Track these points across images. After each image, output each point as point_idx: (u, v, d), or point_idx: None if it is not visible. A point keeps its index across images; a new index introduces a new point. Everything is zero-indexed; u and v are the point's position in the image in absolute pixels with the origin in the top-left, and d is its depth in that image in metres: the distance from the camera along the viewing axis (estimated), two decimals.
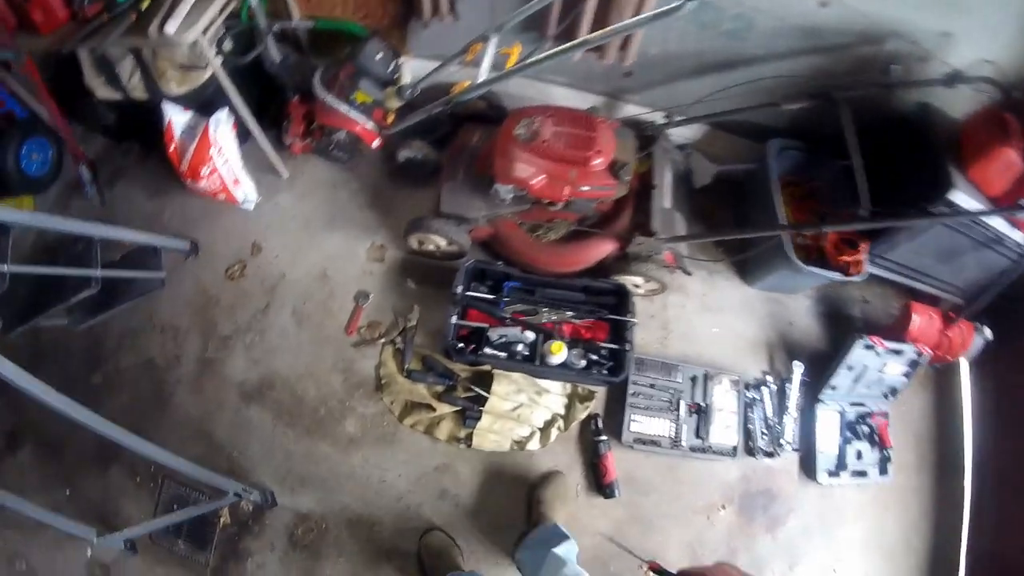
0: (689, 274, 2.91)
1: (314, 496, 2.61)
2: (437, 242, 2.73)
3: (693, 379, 2.74)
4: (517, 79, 2.31)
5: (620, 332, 2.70)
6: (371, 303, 2.82)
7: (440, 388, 2.66)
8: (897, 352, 2.67)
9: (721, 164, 2.89)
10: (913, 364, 2.71)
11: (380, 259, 2.92)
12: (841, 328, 2.95)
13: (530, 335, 2.65)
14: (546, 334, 2.67)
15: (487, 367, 2.62)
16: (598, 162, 2.42)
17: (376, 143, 2.85)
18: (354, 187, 3.07)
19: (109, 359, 2.90)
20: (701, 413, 2.69)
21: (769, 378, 2.78)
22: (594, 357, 2.66)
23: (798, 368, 2.77)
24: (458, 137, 2.91)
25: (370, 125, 2.80)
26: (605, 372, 2.63)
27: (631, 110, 3.02)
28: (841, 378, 2.70)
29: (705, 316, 2.93)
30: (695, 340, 2.88)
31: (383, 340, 2.73)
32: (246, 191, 2.94)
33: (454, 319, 2.59)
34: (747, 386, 2.75)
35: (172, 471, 2.73)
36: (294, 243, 2.94)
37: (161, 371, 2.83)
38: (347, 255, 2.91)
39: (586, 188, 2.47)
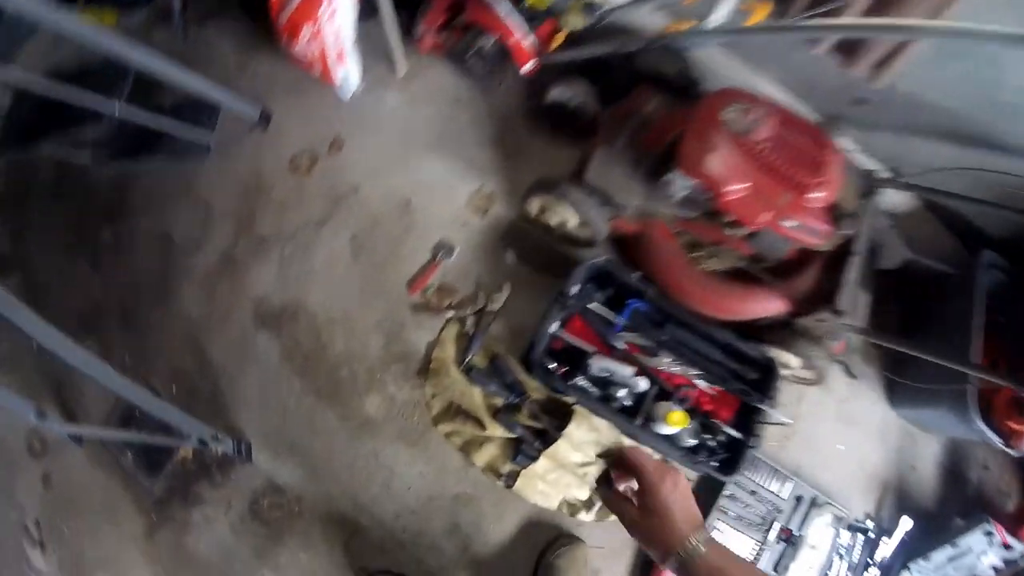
0: (854, 377, 2.23)
1: (298, 470, 2.01)
2: (565, 217, 2.02)
3: (798, 499, 2.07)
4: (726, 55, 1.98)
5: (749, 418, 1.98)
6: (453, 262, 2.12)
7: (499, 402, 1.97)
8: (1008, 547, 2.02)
9: (914, 252, 2.14)
10: (1012, 564, 2.05)
11: (483, 212, 2.21)
12: (956, 491, 2.26)
13: (641, 382, 1.93)
14: (661, 390, 1.95)
15: (571, 400, 1.93)
16: (819, 195, 1.77)
17: (528, 66, 2.14)
18: (480, 112, 2.35)
19: (126, 218, 2.34)
20: (790, 543, 2.02)
21: (870, 523, 2.11)
22: (708, 439, 1.95)
23: (905, 524, 2.12)
24: (629, 97, 2.20)
25: (529, 41, 2.10)
26: (715, 464, 1.92)
27: (843, 146, 2.25)
28: (941, 553, 2.07)
29: (837, 427, 2.19)
30: (817, 451, 2.16)
31: (451, 314, 2.05)
32: (348, 73, 2.26)
33: (554, 326, 1.90)
34: (849, 527, 2.07)
35: (145, 372, 2.18)
36: (383, 154, 2.26)
37: (176, 252, 2.25)
38: (443, 192, 2.22)
39: (791, 224, 1.79)
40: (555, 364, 1.90)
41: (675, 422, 1.84)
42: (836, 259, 1.97)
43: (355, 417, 1.99)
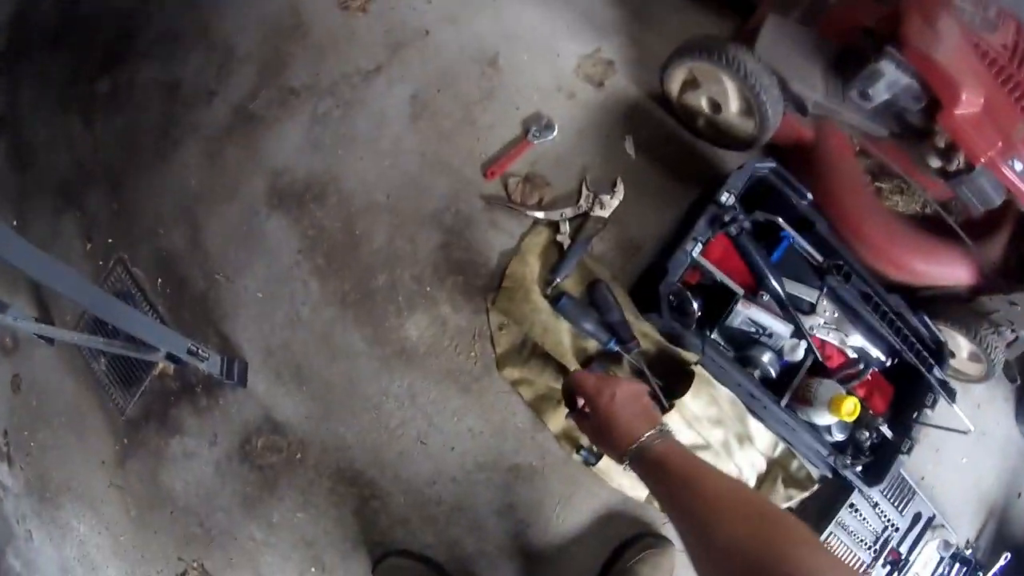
0: (1016, 381, 1.74)
1: (305, 405, 1.45)
2: (723, 97, 1.39)
3: (916, 517, 1.60)
4: None
5: (905, 413, 1.44)
6: (550, 144, 1.50)
7: (593, 347, 1.37)
8: None
9: None
10: None
11: (597, 82, 1.56)
12: None
13: (800, 348, 1.34)
14: (815, 363, 1.36)
15: (693, 359, 1.31)
16: None
17: None
18: None
19: (128, 63, 1.82)
20: (895, 569, 1.56)
21: (969, 553, 1.70)
22: (860, 435, 1.37)
23: (1003, 560, 1.71)
24: None
25: None
26: (860, 469, 1.38)
27: None
28: None
29: (966, 438, 1.60)
30: (941, 462, 1.68)
31: (539, 215, 1.42)
32: None
33: (696, 249, 1.28)
34: (953, 555, 1.65)
35: (128, 258, 1.66)
36: None
37: (181, 104, 1.70)
38: (545, 51, 1.59)
39: (1019, 166, 1.23)
40: (685, 302, 1.29)
41: (845, 413, 1.23)
42: (1021, 228, 1.44)
43: (389, 342, 1.40)
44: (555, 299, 1.32)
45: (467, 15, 1.58)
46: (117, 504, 1.61)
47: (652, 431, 0.91)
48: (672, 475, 0.86)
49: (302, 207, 1.49)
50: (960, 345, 1.52)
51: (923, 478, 1.62)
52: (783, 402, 1.32)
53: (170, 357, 1.43)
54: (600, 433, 0.99)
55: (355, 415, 1.42)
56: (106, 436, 1.64)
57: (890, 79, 1.27)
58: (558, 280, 1.34)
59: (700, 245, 1.29)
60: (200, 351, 1.40)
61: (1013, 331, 1.45)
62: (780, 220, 1.32)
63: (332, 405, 1.44)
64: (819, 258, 1.44)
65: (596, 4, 1.63)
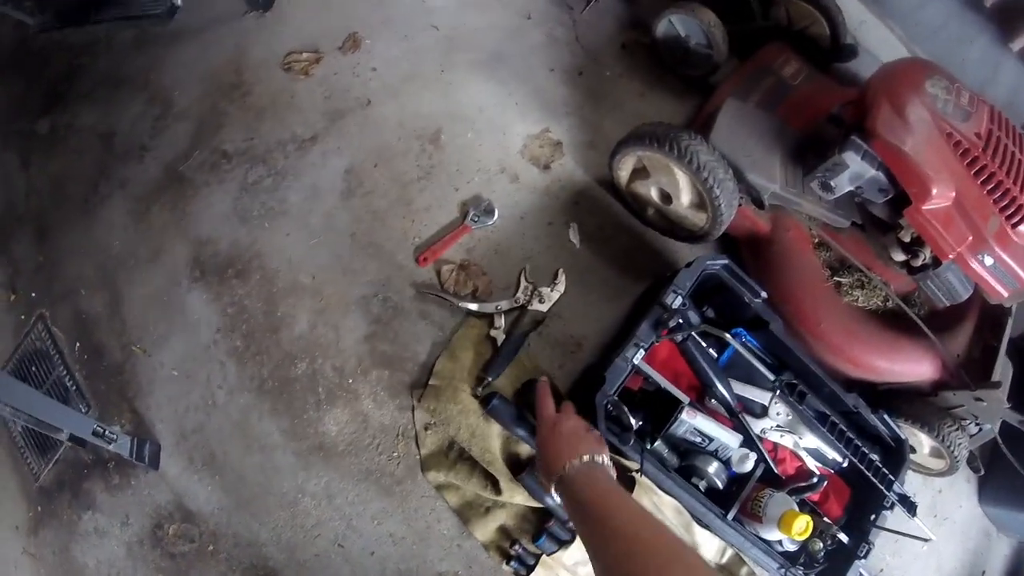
0: (980, 471, 1.63)
1: (218, 495, 1.25)
2: (674, 188, 1.23)
3: None
4: (884, 28, 1.45)
5: (862, 517, 1.27)
6: (489, 230, 1.32)
7: (526, 454, 1.18)
8: None
9: None
10: None
11: (544, 165, 1.39)
12: None
13: (749, 459, 1.17)
14: (766, 471, 1.20)
15: (633, 469, 1.12)
16: None
17: None
18: (557, 34, 1.54)
19: (70, 106, 1.63)
20: None
21: None
22: (814, 545, 1.18)
23: None
24: (763, 51, 1.48)
25: None
26: None
27: None
28: None
29: (927, 522, 1.47)
30: (900, 552, 1.50)
31: (473, 306, 1.23)
32: None
33: (638, 355, 1.11)
34: None
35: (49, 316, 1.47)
36: (415, 65, 1.47)
37: (115, 156, 1.51)
38: (490, 129, 1.41)
39: (988, 260, 1.10)
40: (626, 409, 1.09)
41: (796, 532, 1.07)
42: (993, 322, 1.33)
43: (307, 435, 1.21)
44: (485, 400, 1.13)
45: (412, 88, 1.41)
46: (30, 572, 1.38)
47: (578, 460, 0.89)
48: (589, 506, 0.83)
49: (224, 282, 1.29)
50: (922, 441, 1.38)
51: (882, 570, 1.48)
52: (730, 516, 1.14)
53: (73, 439, 1.24)
54: (538, 456, 0.99)
55: (269, 511, 1.21)
56: (20, 501, 1.42)
57: (855, 170, 1.14)
58: (490, 379, 1.16)
59: (642, 351, 1.11)
60: (107, 432, 1.21)
61: (978, 424, 1.31)
62: (728, 336, 1.15)
63: (246, 498, 1.23)
64: (770, 360, 1.27)
65: (549, 82, 1.47)
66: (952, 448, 1.28)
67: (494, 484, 1.14)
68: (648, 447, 1.14)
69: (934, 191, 1.05)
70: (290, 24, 1.51)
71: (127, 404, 1.34)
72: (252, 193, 1.34)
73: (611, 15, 1.55)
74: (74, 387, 1.42)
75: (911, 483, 1.45)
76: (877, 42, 1.64)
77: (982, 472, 1.61)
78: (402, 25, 1.48)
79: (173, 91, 1.53)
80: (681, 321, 1.15)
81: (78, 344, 1.42)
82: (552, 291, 1.24)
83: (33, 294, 1.48)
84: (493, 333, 1.20)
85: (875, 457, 1.27)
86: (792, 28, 1.54)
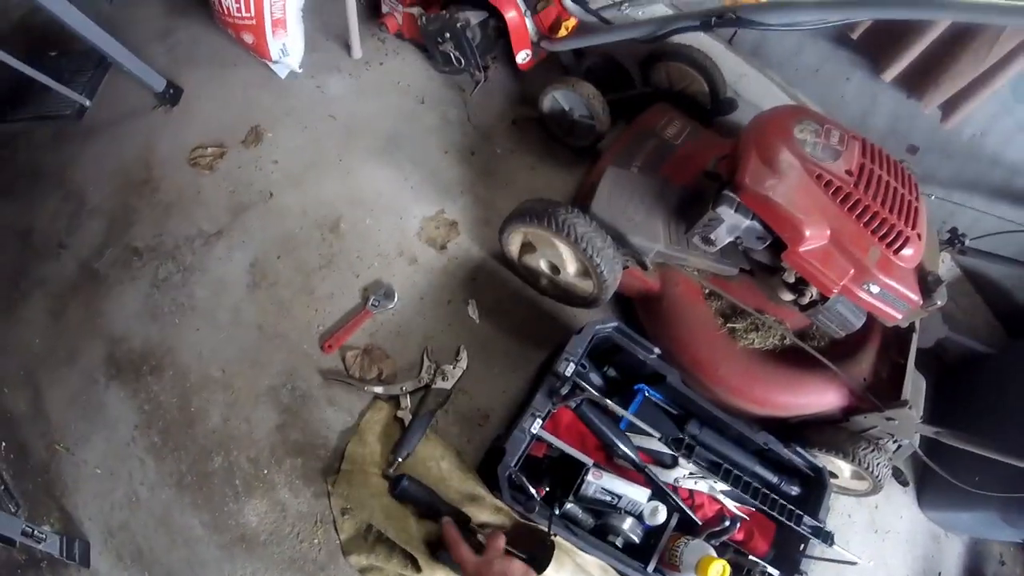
0: (906, 485, 1.60)
1: None
2: (558, 260, 1.28)
3: None
4: (764, 75, 1.50)
5: (789, 548, 1.27)
6: (390, 313, 1.34)
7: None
8: None
9: (951, 330, 1.49)
10: None
11: (441, 245, 1.42)
12: None
13: (660, 512, 1.18)
14: (683, 519, 1.22)
15: (549, 535, 1.12)
16: (910, 252, 1.10)
17: (525, 58, 1.42)
18: (451, 115, 1.59)
19: None
20: None
21: None
22: None
23: None
24: (645, 115, 1.53)
25: (531, 25, 1.38)
26: None
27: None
28: None
29: (868, 539, 1.52)
30: (846, 571, 1.38)
31: (379, 389, 1.25)
32: (288, 47, 1.52)
33: (536, 424, 1.13)
34: None
35: None
36: (314, 154, 1.49)
37: (32, 254, 1.48)
38: (389, 211, 1.44)
39: (875, 289, 1.11)
40: (533, 481, 1.11)
41: (712, 574, 1.11)
42: (896, 340, 1.35)
43: (229, 528, 1.20)
44: (394, 483, 1.13)
45: (313, 177, 1.43)
46: None
47: None
48: None
49: (139, 379, 1.29)
50: (841, 466, 1.38)
51: None
52: (650, 568, 1.16)
53: (3, 539, 1.21)
54: None
55: None
56: None
57: (731, 223, 1.17)
58: (399, 460, 1.18)
59: (540, 420, 1.14)
60: (36, 532, 1.18)
61: (895, 442, 1.30)
62: (611, 403, 1.16)
63: None
64: (675, 411, 1.31)
65: (443, 163, 1.51)
66: (871, 469, 1.28)
67: (414, 563, 1.15)
68: (557, 511, 1.15)
69: (807, 233, 1.07)
70: (196, 118, 1.52)
71: (55, 503, 1.31)
72: (162, 289, 1.34)
73: (500, 94, 1.60)
74: (2, 487, 1.39)
75: (844, 504, 1.50)
76: (758, 92, 1.70)
77: (909, 485, 1.62)
78: (302, 116, 1.51)
79: (87, 187, 1.51)
80: (575, 387, 1.17)
81: (3, 443, 1.38)
82: (455, 368, 1.27)
83: None
84: (400, 414, 1.22)
85: (793, 489, 1.31)
86: (673, 89, 1.60)
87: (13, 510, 1.37)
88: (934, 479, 1.60)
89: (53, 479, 1.33)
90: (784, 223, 1.10)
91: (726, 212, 1.14)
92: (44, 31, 1.73)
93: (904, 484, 1.58)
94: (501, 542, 1.01)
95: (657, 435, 1.21)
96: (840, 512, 1.50)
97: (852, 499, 1.51)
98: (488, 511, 1.17)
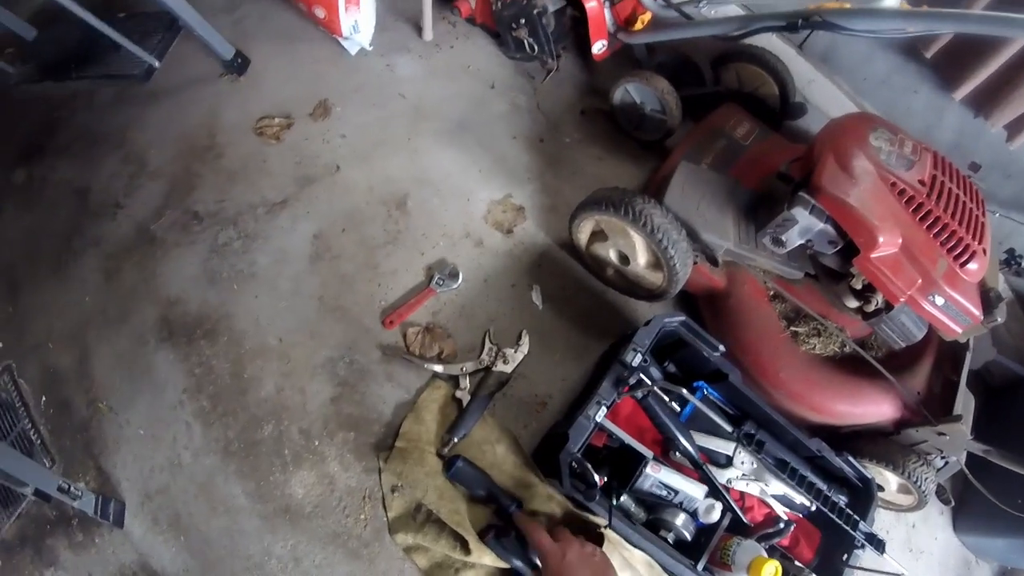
0: (950, 503, 1.54)
1: (182, 556, 1.16)
2: (631, 250, 1.22)
3: None
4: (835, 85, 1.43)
5: (835, 556, 1.20)
6: (454, 293, 1.28)
7: (493, 514, 1.13)
8: None
9: (999, 354, 1.47)
10: None
11: (506, 229, 1.37)
12: None
13: (716, 509, 1.12)
14: (734, 519, 1.14)
15: (602, 523, 1.09)
16: (976, 267, 1.08)
17: (601, 48, 1.38)
18: (520, 102, 1.54)
19: (47, 158, 1.55)
20: None
21: None
22: None
23: None
24: (715, 114, 1.48)
25: (608, 16, 1.34)
26: None
27: None
28: None
29: (903, 557, 1.44)
30: None
31: (438, 368, 1.19)
32: (360, 23, 1.48)
33: (600, 412, 1.07)
34: None
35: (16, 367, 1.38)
36: (382, 132, 1.44)
37: (88, 213, 1.44)
38: (455, 196, 1.39)
39: (940, 300, 1.06)
40: (590, 466, 1.04)
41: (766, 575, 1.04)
42: (951, 358, 1.30)
43: (273, 497, 1.14)
44: (449, 464, 1.08)
45: (381, 154, 1.38)
46: None
47: None
48: None
49: (192, 343, 1.23)
50: (888, 479, 1.33)
51: None
52: (700, 566, 1.10)
53: (38, 494, 1.15)
54: None
55: (235, 574, 1.14)
56: None
57: (804, 225, 1.13)
58: (455, 440, 1.12)
59: (604, 408, 1.08)
60: (72, 489, 1.13)
61: (943, 458, 1.26)
62: (684, 391, 1.12)
63: (211, 560, 1.15)
64: (732, 411, 1.25)
65: (513, 150, 1.46)
66: (919, 483, 1.24)
67: (463, 545, 1.09)
68: (615, 502, 1.09)
69: (881, 239, 1.04)
70: (263, 89, 1.48)
71: (92, 461, 1.26)
72: (222, 255, 1.29)
73: (570, 84, 1.56)
74: (39, 441, 1.33)
75: (883, 520, 1.43)
76: (826, 98, 1.67)
77: (952, 504, 1.56)
78: (371, 93, 1.47)
79: (148, 150, 1.47)
80: (641, 378, 1.12)
81: (44, 398, 1.33)
82: (516, 352, 1.21)
83: (1, 344, 1.40)
84: (458, 394, 1.17)
85: (841, 498, 1.25)
86: (743, 90, 1.57)
87: (48, 465, 1.32)
88: (971, 503, 1.56)
89: (93, 437, 1.28)
90: (859, 228, 1.06)
91: (801, 213, 1.10)
92: None
93: (947, 503, 1.52)
94: (566, 530, 0.98)
95: (729, 428, 1.17)
96: (879, 528, 1.41)
97: (891, 516, 1.46)
98: (541, 499, 1.11)
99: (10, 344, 1.41)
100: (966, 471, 1.24)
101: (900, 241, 1.05)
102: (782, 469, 1.18)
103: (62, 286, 1.39)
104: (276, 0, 1.63)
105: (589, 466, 1.06)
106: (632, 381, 1.11)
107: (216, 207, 1.34)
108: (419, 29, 1.55)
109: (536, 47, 1.44)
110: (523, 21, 1.40)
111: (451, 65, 1.55)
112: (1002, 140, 1.39)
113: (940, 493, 1.54)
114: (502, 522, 1.12)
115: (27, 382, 1.37)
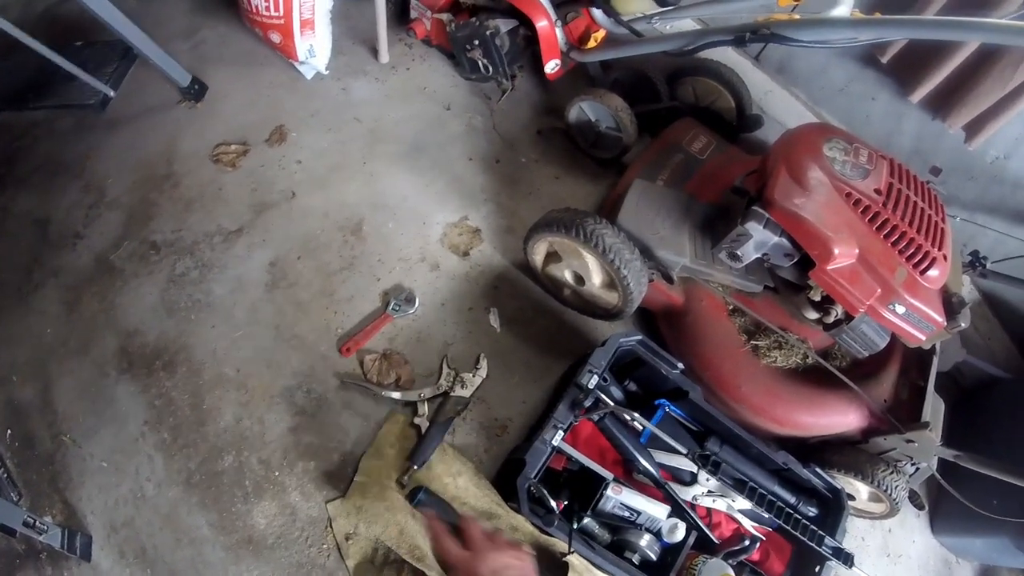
0: (923, 508, 1.52)
1: None
2: (585, 270, 1.20)
3: None
4: (789, 96, 1.43)
5: (808, 567, 1.19)
6: (410, 318, 1.26)
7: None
8: None
9: (968, 354, 1.42)
10: None
11: (464, 251, 1.35)
12: None
13: (679, 529, 1.11)
14: (700, 537, 1.13)
15: (563, 551, 1.06)
16: (936, 273, 1.05)
17: (554, 67, 1.35)
18: (476, 123, 1.51)
19: (8, 188, 1.49)
20: None
21: None
22: None
23: None
24: (671, 129, 1.46)
25: (560, 36, 1.31)
26: None
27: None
28: None
29: (881, 563, 1.43)
30: None
31: (397, 395, 1.16)
32: (315, 48, 1.45)
33: (557, 436, 1.05)
34: None
35: None
36: (338, 157, 1.41)
37: (48, 244, 1.39)
38: (412, 216, 1.36)
39: (900, 309, 1.04)
40: (551, 494, 1.03)
41: None
42: (917, 362, 1.28)
43: (236, 529, 1.11)
44: (412, 494, 1.04)
45: (336, 179, 1.35)
46: None
47: None
48: None
49: (151, 374, 1.20)
50: (859, 488, 1.31)
51: None
52: None
53: (3, 528, 1.11)
54: None
55: None
56: None
57: (758, 239, 1.10)
58: (415, 467, 1.09)
59: (561, 432, 1.07)
60: (38, 523, 1.10)
61: (914, 464, 1.23)
62: (637, 416, 1.07)
63: None
64: (695, 427, 1.23)
65: (467, 172, 1.43)
66: (889, 492, 1.22)
67: None
68: (576, 526, 1.07)
69: (836, 251, 1.01)
70: (220, 115, 1.45)
71: (58, 495, 1.22)
72: (179, 285, 1.26)
73: (527, 103, 1.53)
74: (5, 475, 1.29)
75: (859, 527, 1.42)
76: (783, 109, 1.66)
77: (926, 508, 1.54)
78: (327, 118, 1.44)
79: (107, 179, 1.43)
80: (598, 400, 1.10)
81: (9, 431, 1.29)
82: (474, 376, 1.19)
83: None
84: (417, 421, 1.14)
85: (810, 510, 1.24)
86: (699, 104, 1.55)
87: (15, 499, 1.28)
88: (947, 504, 1.54)
89: (58, 471, 1.24)
90: (813, 240, 1.04)
91: (755, 228, 1.08)
92: (69, 22, 1.66)
93: (920, 508, 1.51)
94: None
95: (684, 450, 1.13)
96: (854, 535, 1.43)
97: (866, 522, 1.44)
98: (506, 530, 1.09)
99: None
100: (938, 477, 1.22)
101: (857, 252, 1.03)
102: (742, 488, 1.15)
103: (23, 318, 1.35)
104: (235, 24, 1.59)
105: (546, 492, 1.05)
106: (588, 403, 1.09)
107: (173, 236, 1.30)
108: (375, 52, 1.52)
109: (491, 68, 1.42)
110: (477, 42, 1.38)
111: (407, 87, 1.52)
112: (961, 142, 1.38)
113: (913, 498, 1.55)
114: None
115: None
